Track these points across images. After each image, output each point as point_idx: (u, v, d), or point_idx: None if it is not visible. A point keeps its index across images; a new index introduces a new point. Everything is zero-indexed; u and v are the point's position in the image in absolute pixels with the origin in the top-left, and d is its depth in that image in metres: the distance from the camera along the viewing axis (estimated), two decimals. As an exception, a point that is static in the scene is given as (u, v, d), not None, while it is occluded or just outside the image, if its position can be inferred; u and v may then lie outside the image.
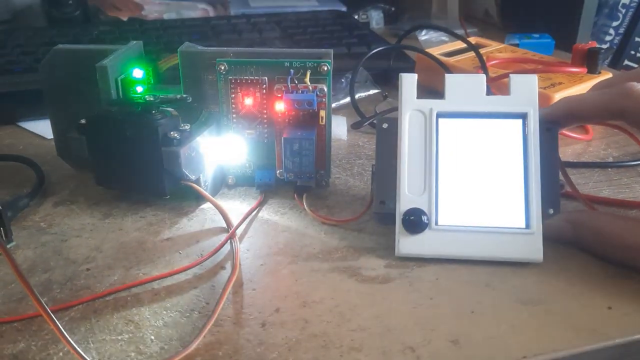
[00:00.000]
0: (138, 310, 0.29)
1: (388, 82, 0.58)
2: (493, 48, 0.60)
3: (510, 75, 0.34)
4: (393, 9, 0.88)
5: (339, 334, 0.27)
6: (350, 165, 0.44)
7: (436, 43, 0.71)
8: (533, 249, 0.31)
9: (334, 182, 0.41)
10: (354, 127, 0.49)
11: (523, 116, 0.34)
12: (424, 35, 0.75)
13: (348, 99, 0.52)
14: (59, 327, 0.25)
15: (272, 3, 0.87)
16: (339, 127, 0.49)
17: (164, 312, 0.29)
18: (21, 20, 0.85)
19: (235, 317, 0.29)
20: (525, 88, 0.34)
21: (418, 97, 0.34)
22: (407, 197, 0.33)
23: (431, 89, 0.45)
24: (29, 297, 0.24)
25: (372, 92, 0.56)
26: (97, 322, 0.28)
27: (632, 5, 0.79)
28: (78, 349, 0.25)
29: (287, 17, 0.74)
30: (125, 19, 0.78)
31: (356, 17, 0.83)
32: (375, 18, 0.86)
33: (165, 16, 0.81)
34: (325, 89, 0.37)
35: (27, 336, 0.28)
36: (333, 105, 0.53)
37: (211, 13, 0.84)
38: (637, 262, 0.30)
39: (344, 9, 0.85)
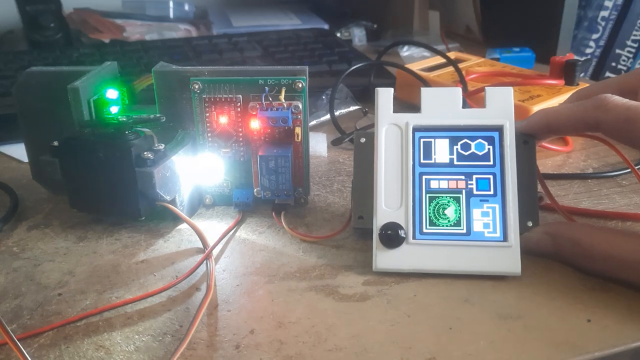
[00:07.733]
0: (109, 335, 0.28)
1: (369, 98, 0.57)
2: (472, 62, 0.60)
3: (486, 88, 0.34)
4: (375, 26, 0.89)
5: (315, 354, 0.27)
6: (330, 182, 0.43)
7: (418, 59, 0.72)
8: (511, 262, 0.31)
9: (313, 199, 0.41)
10: (334, 143, 0.49)
11: (499, 129, 0.33)
12: (405, 52, 0.76)
13: (329, 116, 0.52)
14: (25, 356, 0.24)
15: (254, 22, 0.88)
16: (319, 144, 0.49)
17: (136, 337, 0.28)
18: (3, 44, 0.84)
19: (209, 340, 0.28)
20: (501, 100, 0.34)
21: (395, 112, 0.34)
22: (384, 211, 0.32)
23: (412, 105, 0.44)
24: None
25: (352, 108, 0.56)
26: (66, 348, 0.28)
27: (611, 18, 0.80)
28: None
29: (269, 36, 0.74)
30: (107, 41, 0.78)
31: (338, 35, 0.83)
32: (358, 35, 0.86)
33: (147, 37, 0.81)
34: (301, 106, 0.36)
35: (-6, 365, 0.27)
36: (314, 122, 0.53)
37: (194, 33, 0.84)
38: (617, 274, 0.30)
39: (326, 27, 0.86)
